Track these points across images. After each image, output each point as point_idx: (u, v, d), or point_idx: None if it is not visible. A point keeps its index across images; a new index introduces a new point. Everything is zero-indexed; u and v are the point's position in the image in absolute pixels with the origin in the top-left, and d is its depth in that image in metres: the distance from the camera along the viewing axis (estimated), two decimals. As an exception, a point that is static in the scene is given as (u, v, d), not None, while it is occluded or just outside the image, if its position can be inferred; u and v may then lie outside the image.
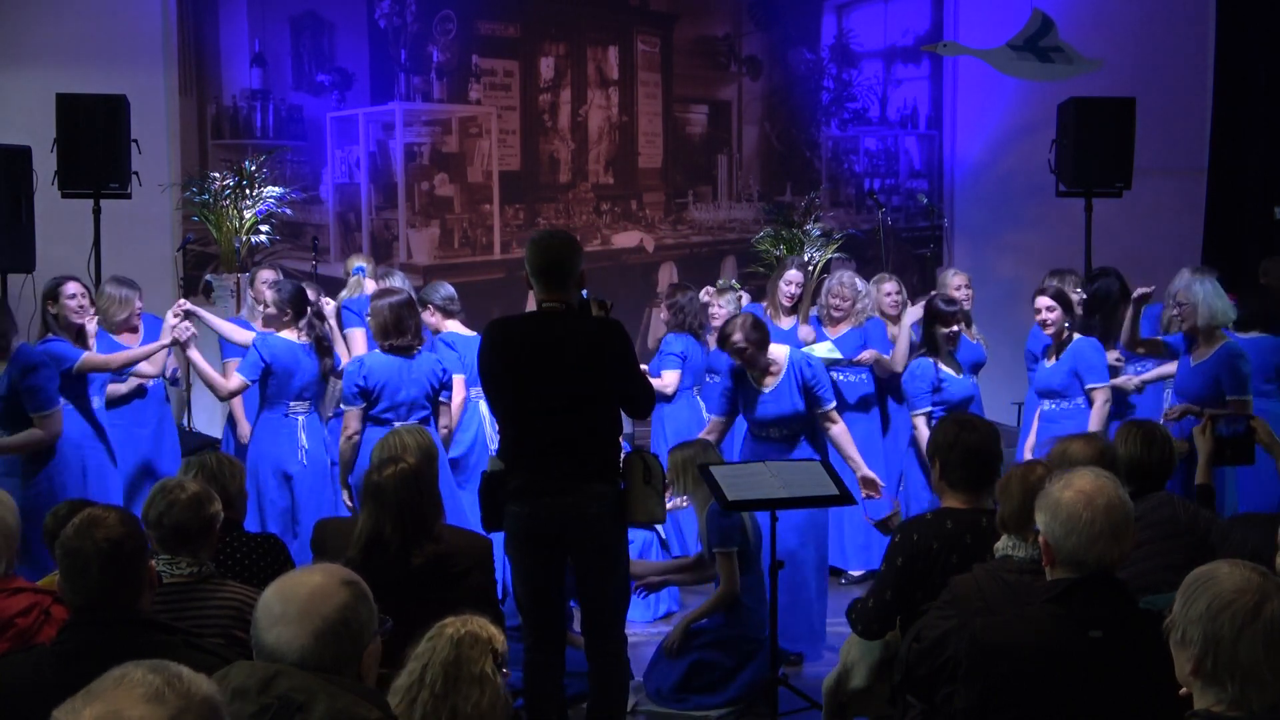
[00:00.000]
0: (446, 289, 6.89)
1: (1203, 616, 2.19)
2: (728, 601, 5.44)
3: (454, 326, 6.80)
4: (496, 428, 6.81)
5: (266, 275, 7.10)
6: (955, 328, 6.50)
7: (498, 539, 4.44)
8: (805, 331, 7.38)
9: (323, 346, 6.30)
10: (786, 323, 7.33)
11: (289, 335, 6.22)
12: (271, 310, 6.31)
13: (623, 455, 4.32)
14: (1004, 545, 3.46)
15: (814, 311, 7.58)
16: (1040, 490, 2.96)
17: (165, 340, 6.04)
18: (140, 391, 6.57)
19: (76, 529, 2.85)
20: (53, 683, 1.80)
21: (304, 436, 6.20)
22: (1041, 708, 2.79)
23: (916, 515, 4.21)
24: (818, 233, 8.59)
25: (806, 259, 8.41)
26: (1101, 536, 2.81)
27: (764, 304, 7.46)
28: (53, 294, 5.91)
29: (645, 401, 4.35)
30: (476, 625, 2.70)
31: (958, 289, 7.44)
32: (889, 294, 7.46)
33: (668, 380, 7.13)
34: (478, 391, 6.77)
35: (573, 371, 4.14)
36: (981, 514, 3.83)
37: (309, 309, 6.29)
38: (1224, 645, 2.17)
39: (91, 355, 5.87)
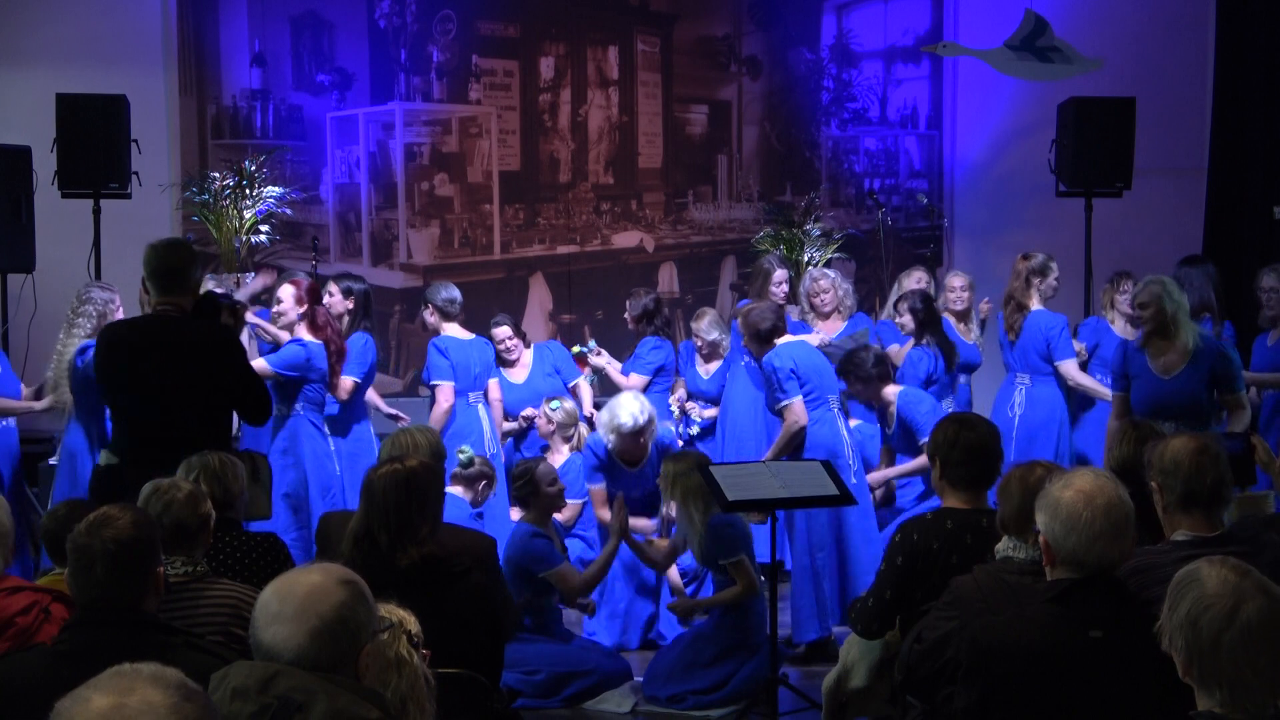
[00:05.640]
0: (450, 290, 6.87)
1: (1184, 623, 2.20)
2: (747, 598, 5.47)
3: (452, 329, 6.78)
4: (496, 431, 6.87)
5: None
6: None
7: (499, 539, 4.46)
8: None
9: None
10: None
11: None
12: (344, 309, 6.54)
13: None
14: (1005, 546, 3.46)
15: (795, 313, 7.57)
16: (1040, 491, 2.97)
17: None
18: None
19: (87, 526, 2.86)
20: (53, 682, 1.80)
21: None
22: (1042, 708, 2.79)
23: (917, 515, 4.22)
24: (818, 233, 8.58)
25: (806, 259, 8.40)
26: (1101, 536, 2.81)
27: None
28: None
29: (257, 407, 4.74)
30: (385, 610, 2.67)
31: (953, 290, 7.44)
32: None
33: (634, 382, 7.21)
34: (477, 396, 6.77)
35: (185, 372, 4.51)
36: (982, 514, 3.84)
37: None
38: (1205, 652, 2.18)
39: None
